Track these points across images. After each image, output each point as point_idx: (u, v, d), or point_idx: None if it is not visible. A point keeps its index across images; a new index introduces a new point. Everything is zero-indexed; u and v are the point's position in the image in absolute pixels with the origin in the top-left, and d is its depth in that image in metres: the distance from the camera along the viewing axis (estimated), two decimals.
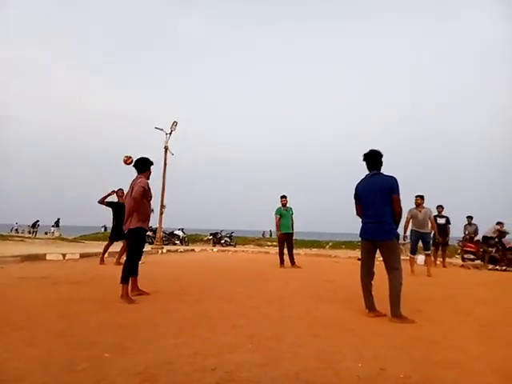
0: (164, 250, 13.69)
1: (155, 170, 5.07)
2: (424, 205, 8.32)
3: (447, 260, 10.91)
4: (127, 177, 4.94)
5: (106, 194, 8.04)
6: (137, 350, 2.53)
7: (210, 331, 3.05)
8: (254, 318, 3.54)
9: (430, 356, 2.58)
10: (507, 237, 10.66)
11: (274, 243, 17.89)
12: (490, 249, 10.50)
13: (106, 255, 8.41)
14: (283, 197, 9.32)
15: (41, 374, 2.09)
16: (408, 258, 8.47)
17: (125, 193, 5.16)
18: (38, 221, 34.25)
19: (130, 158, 4.97)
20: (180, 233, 19.32)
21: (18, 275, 5.99)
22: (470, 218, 11.59)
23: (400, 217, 3.88)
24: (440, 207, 10.52)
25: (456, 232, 10.77)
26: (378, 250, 3.88)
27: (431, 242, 8.95)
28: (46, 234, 33.29)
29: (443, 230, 10.16)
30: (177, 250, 14.47)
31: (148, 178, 4.79)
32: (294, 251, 9.49)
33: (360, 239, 4.06)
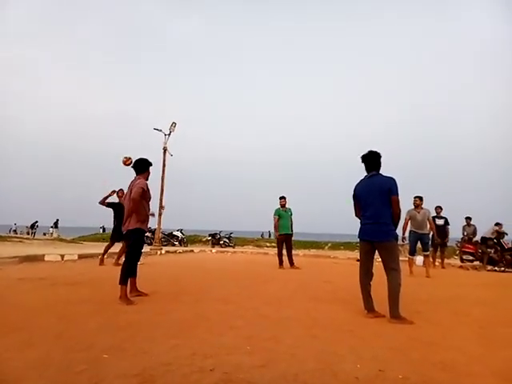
0: (163, 251, 13.68)
1: (154, 171, 5.07)
2: (423, 206, 8.33)
3: (446, 261, 10.92)
4: (127, 177, 4.95)
5: (107, 194, 8.03)
6: (135, 351, 2.53)
7: (208, 332, 3.04)
8: (252, 320, 3.53)
9: (428, 357, 2.58)
10: (506, 238, 10.68)
11: (273, 244, 17.89)
12: (489, 250, 10.51)
13: (105, 256, 8.40)
14: (282, 198, 9.32)
15: (39, 376, 2.08)
16: (407, 258, 8.48)
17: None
18: (36, 221, 34.22)
19: (130, 159, 4.98)
20: (179, 234, 19.30)
21: (17, 276, 5.98)
22: (468, 218, 11.60)
23: (399, 218, 3.88)
24: (439, 208, 10.53)
25: (455, 233, 10.78)
26: (376, 251, 3.88)
27: (430, 243, 8.96)
28: (44, 234, 33.24)
29: (442, 230, 10.17)
30: (175, 251, 14.46)
31: (147, 179, 4.78)
32: (293, 252, 9.49)
33: (359, 240, 4.07)
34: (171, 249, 15.32)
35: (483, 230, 11.25)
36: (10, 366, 2.23)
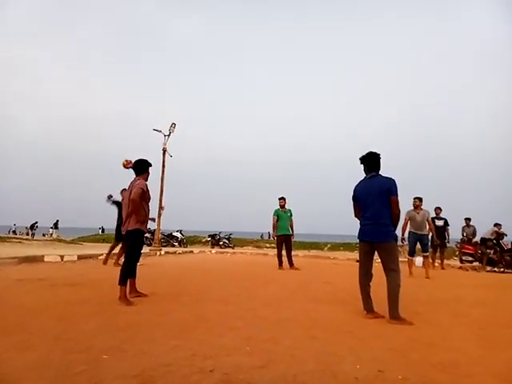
0: (162, 252, 13.67)
1: (154, 172, 5.08)
2: (422, 207, 8.33)
3: (445, 262, 10.92)
4: (127, 178, 4.96)
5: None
6: (134, 352, 2.52)
7: (207, 333, 3.04)
8: (252, 321, 3.53)
9: (428, 358, 2.58)
10: (505, 239, 10.69)
11: (273, 245, 17.89)
12: (488, 250, 10.52)
13: (109, 256, 8.43)
14: (281, 198, 9.32)
15: (38, 377, 2.08)
16: (406, 259, 8.48)
17: None
18: (36, 222, 34.20)
19: (130, 161, 4.98)
20: (178, 234, 19.30)
21: (16, 277, 5.97)
22: (468, 219, 11.61)
23: (398, 218, 3.88)
24: (438, 209, 10.53)
25: (454, 234, 10.80)
26: (376, 252, 3.88)
27: (429, 244, 8.96)
28: (44, 235, 33.22)
29: (441, 231, 10.18)
30: (175, 252, 14.45)
31: (146, 180, 4.79)
32: (293, 253, 9.49)
33: (358, 241, 4.07)
34: (171, 249, 15.32)
35: (483, 230, 11.26)
36: (10, 366, 2.23)
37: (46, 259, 8.84)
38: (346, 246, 20.04)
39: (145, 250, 10.83)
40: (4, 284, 5.36)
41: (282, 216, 9.19)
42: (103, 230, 33.87)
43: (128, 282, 4.43)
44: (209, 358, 2.45)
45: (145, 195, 4.60)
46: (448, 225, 10.48)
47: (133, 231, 4.52)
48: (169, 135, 15.75)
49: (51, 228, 31.74)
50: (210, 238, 19.88)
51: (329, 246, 21.06)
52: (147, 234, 15.94)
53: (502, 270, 10.23)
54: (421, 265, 9.27)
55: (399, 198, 3.81)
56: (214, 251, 16.19)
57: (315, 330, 3.23)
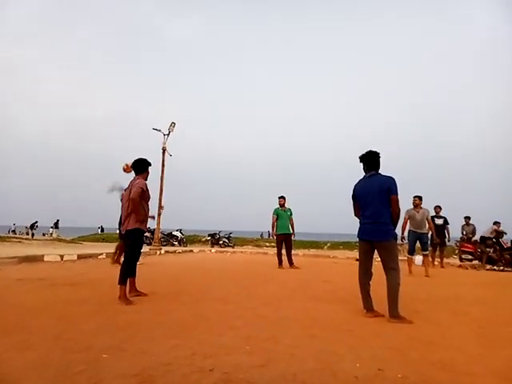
0: (162, 251, 13.68)
1: (153, 171, 5.08)
2: (422, 205, 8.34)
3: (445, 260, 10.93)
4: (126, 178, 4.96)
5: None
6: (134, 351, 2.53)
7: (207, 332, 3.05)
8: (252, 320, 3.54)
9: (427, 356, 2.58)
10: (505, 237, 10.70)
11: (273, 244, 17.89)
12: (488, 249, 10.53)
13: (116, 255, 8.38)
14: (281, 197, 9.33)
15: (38, 376, 2.08)
16: (406, 258, 8.48)
17: None
18: (36, 222, 34.19)
19: (130, 166, 4.98)
20: (178, 234, 19.29)
21: (16, 277, 5.97)
22: (467, 218, 11.61)
23: (398, 217, 3.88)
24: (438, 208, 10.53)
25: (454, 232, 10.81)
26: (376, 251, 3.88)
27: (429, 243, 8.97)
28: (43, 235, 33.24)
29: (441, 230, 10.19)
30: (175, 251, 14.45)
31: (146, 179, 4.79)
32: (293, 252, 9.49)
33: (358, 240, 4.07)
34: (170, 249, 15.32)
35: (482, 229, 11.27)
36: (10, 366, 2.23)
37: (45, 259, 8.84)
38: (346, 245, 20.05)
39: (144, 249, 10.82)
40: (4, 284, 5.36)
41: (282, 215, 9.19)
42: (102, 230, 33.86)
43: (128, 282, 4.44)
44: (208, 357, 2.45)
45: (144, 194, 4.60)
46: (448, 223, 10.49)
47: (132, 230, 4.52)
48: (168, 134, 15.74)
49: (51, 227, 31.74)
50: (209, 238, 19.88)
51: (328, 244, 21.06)
52: (147, 234, 15.93)
53: (501, 268, 10.24)
54: (420, 263, 9.27)
55: (399, 196, 3.81)
56: (213, 250, 16.20)
57: (315, 329, 3.23)
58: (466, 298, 5.17)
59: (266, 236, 30.24)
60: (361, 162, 4.04)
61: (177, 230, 19.57)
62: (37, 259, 8.68)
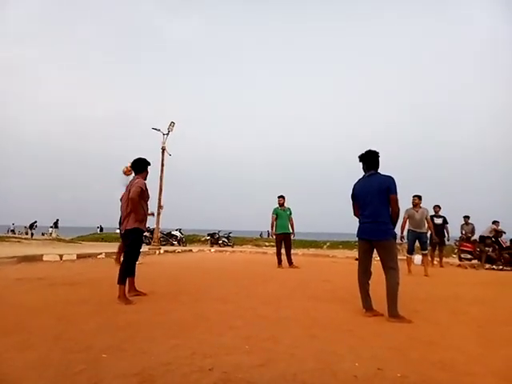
0: (161, 251, 13.67)
1: (152, 171, 5.08)
2: (421, 205, 8.34)
3: (444, 260, 10.95)
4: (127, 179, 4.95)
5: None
6: (134, 351, 2.52)
7: (207, 332, 3.05)
8: (251, 319, 3.54)
9: (427, 356, 2.58)
10: (504, 236, 10.71)
11: (272, 243, 17.90)
12: (487, 248, 10.54)
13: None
14: (280, 197, 9.33)
15: (38, 376, 2.08)
16: (405, 257, 8.49)
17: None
18: (35, 222, 34.17)
19: (131, 169, 4.99)
20: (177, 233, 19.28)
21: (15, 276, 5.96)
22: (466, 217, 11.62)
23: (397, 217, 3.88)
24: (437, 207, 10.54)
25: (453, 232, 10.83)
26: (375, 250, 3.89)
27: (428, 242, 8.98)
28: (43, 234, 33.22)
29: (440, 229, 10.20)
30: (174, 251, 14.45)
31: (145, 179, 4.78)
32: (292, 251, 9.50)
33: (357, 239, 4.07)
34: (170, 248, 15.31)
35: (481, 228, 11.28)
36: (10, 366, 2.23)
37: (44, 258, 8.83)
38: (345, 245, 20.08)
39: (144, 248, 10.83)
40: (3, 283, 5.36)
41: (281, 214, 9.20)
42: (101, 229, 33.84)
43: (127, 281, 4.44)
44: (208, 356, 2.45)
45: (143, 194, 4.59)
46: (447, 223, 10.51)
47: (132, 230, 4.51)
48: (168, 134, 15.73)
49: (51, 227, 31.72)
50: (209, 237, 19.88)
51: (328, 244, 21.08)
52: (146, 233, 15.93)
53: (500, 267, 10.26)
54: (420, 263, 9.29)
55: (398, 196, 3.81)
56: (213, 250, 16.20)
57: (315, 329, 3.24)
58: (466, 298, 5.17)
59: (265, 235, 30.27)
60: (360, 161, 4.04)
61: (176, 230, 19.57)
62: (36, 259, 8.67)
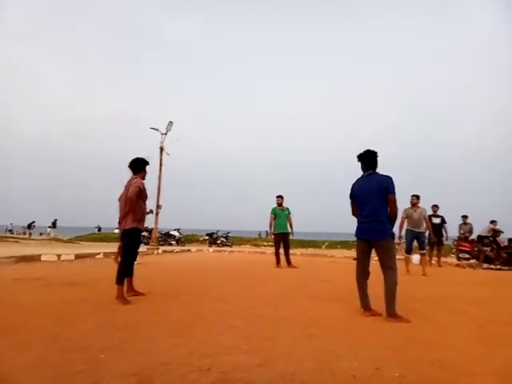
0: (160, 251, 13.66)
1: (151, 171, 5.06)
2: (419, 204, 8.36)
3: (442, 259, 10.97)
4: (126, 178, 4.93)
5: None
6: (133, 351, 2.52)
7: (205, 332, 3.04)
8: (250, 319, 3.54)
9: (425, 356, 2.58)
10: (502, 236, 10.74)
11: (271, 243, 17.91)
12: (485, 248, 10.57)
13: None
14: (279, 196, 9.33)
15: (36, 377, 2.08)
16: (403, 257, 8.50)
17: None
18: (33, 222, 34.05)
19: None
20: (176, 233, 19.28)
21: (13, 276, 5.95)
22: (464, 217, 11.65)
23: (396, 216, 3.88)
24: (435, 206, 10.56)
25: (452, 232, 10.85)
26: (373, 250, 3.89)
27: (426, 242, 8.99)
28: (41, 234, 33.12)
29: (438, 229, 10.21)
30: (173, 251, 14.44)
31: (143, 179, 4.77)
32: (291, 251, 9.50)
33: (356, 239, 4.08)
34: (168, 248, 15.30)
35: (479, 228, 11.31)
36: (9, 366, 2.22)
37: (42, 258, 8.82)
38: (344, 244, 20.10)
39: (142, 248, 10.81)
40: (1, 283, 5.35)
41: (280, 214, 9.20)
42: (100, 229, 33.79)
43: (125, 281, 4.43)
44: (207, 356, 2.45)
45: (142, 194, 4.59)
46: (445, 222, 10.52)
47: (130, 230, 4.51)
48: (166, 133, 15.72)
49: (49, 227, 31.63)
50: (207, 237, 19.87)
51: (326, 244, 21.11)
52: (144, 233, 15.91)
53: (498, 267, 10.28)
54: (418, 262, 9.30)
55: (397, 196, 3.82)
56: (211, 250, 16.20)
57: (313, 329, 3.24)
58: (464, 297, 5.18)
59: (264, 235, 30.27)
60: (359, 161, 4.05)
61: (174, 230, 19.56)
62: (34, 259, 8.66)
